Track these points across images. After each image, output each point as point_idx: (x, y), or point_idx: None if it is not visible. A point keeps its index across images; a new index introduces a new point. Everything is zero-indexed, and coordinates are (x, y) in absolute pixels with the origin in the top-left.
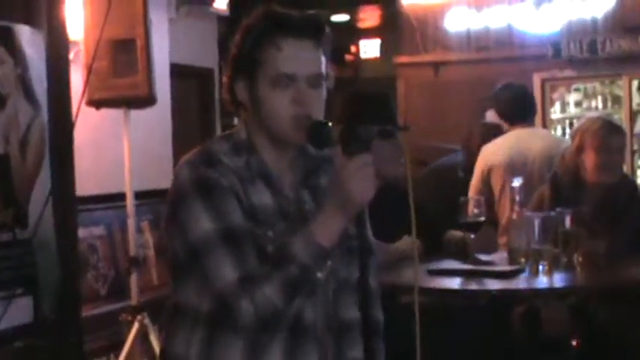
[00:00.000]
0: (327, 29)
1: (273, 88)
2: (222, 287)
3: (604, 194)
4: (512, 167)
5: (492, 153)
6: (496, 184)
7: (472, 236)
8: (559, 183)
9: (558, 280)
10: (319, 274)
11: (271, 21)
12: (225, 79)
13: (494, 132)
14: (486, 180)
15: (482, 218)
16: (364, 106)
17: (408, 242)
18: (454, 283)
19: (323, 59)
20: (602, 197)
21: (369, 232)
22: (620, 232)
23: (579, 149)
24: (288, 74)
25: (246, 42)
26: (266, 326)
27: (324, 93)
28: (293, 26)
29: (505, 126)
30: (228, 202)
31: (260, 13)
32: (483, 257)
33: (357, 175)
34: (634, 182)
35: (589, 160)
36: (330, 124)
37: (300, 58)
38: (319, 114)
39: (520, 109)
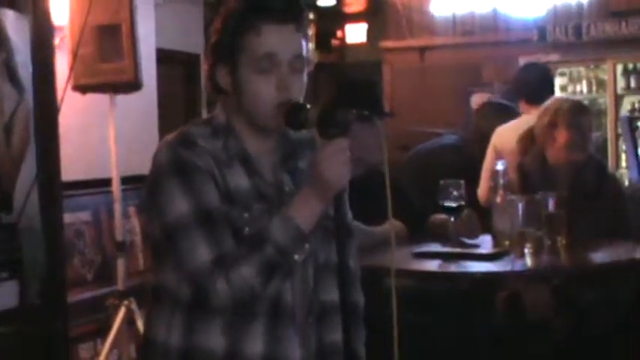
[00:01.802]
0: (308, 13)
1: (256, 73)
2: (197, 268)
3: (573, 175)
4: None
5: (506, 135)
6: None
7: (452, 219)
8: (526, 170)
9: (542, 262)
10: (296, 257)
11: (251, 6)
12: (206, 67)
13: (502, 112)
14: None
15: (462, 202)
16: (350, 92)
17: (393, 226)
18: (438, 265)
19: (304, 43)
20: (571, 178)
21: (349, 215)
22: (594, 211)
23: (551, 127)
24: (270, 56)
25: (226, 28)
26: (242, 307)
27: (305, 77)
28: (273, 10)
29: (521, 106)
30: (204, 184)
31: None
32: (467, 241)
33: (332, 159)
34: (600, 160)
35: (560, 138)
36: (308, 106)
37: (281, 41)
38: (300, 98)
39: (542, 89)
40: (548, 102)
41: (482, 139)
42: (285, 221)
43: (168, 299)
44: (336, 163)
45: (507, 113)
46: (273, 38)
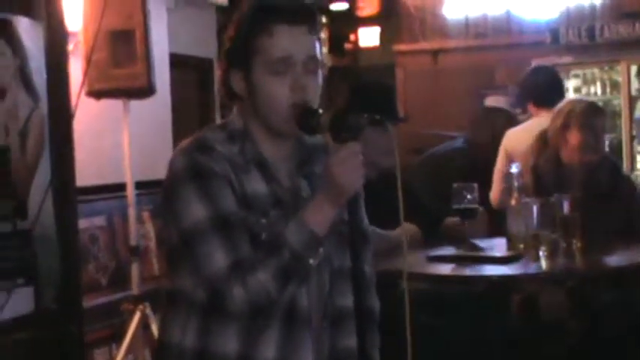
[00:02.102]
0: (319, 15)
1: (270, 75)
2: (214, 273)
3: (587, 175)
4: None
5: (517, 138)
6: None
7: (466, 223)
8: (540, 171)
9: (557, 265)
10: (311, 261)
11: (263, 9)
12: (220, 73)
13: (506, 118)
14: (510, 165)
15: (476, 205)
16: (364, 95)
17: (407, 229)
18: (452, 269)
19: (317, 45)
20: (585, 179)
21: (365, 220)
22: (608, 212)
23: (564, 128)
24: (284, 58)
25: (239, 32)
26: (258, 313)
27: (320, 79)
28: (285, 13)
29: (530, 109)
30: (221, 189)
31: (251, 3)
32: (481, 244)
33: (345, 163)
34: (614, 161)
35: (573, 139)
36: (320, 110)
37: (294, 42)
38: (316, 100)
39: (552, 92)
40: (561, 104)
41: (484, 143)
42: (299, 226)
43: (183, 303)
44: (349, 167)
45: (501, 117)
46: (286, 40)
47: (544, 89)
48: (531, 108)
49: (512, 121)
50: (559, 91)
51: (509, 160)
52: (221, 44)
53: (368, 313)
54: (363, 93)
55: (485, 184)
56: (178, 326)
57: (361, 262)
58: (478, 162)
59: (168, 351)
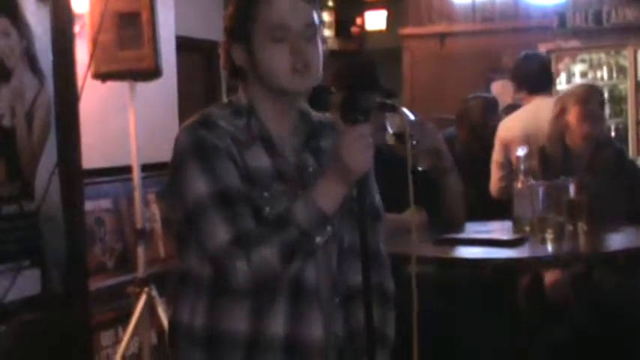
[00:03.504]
0: None
1: (270, 42)
2: (216, 248)
3: (592, 158)
4: (530, 140)
5: (511, 127)
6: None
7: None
8: (546, 155)
9: (564, 248)
10: (318, 239)
11: None
12: (221, 49)
13: (494, 104)
14: (506, 153)
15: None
16: (350, 73)
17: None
18: (459, 252)
19: (315, 14)
20: (591, 162)
21: (376, 196)
22: (614, 191)
23: (563, 110)
24: (282, 25)
25: (239, 5)
26: (262, 287)
27: (320, 47)
28: None
29: (523, 96)
30: (223, 165)
31: None
32: (487, 226)
33: (354, 145)
34: (620, 147)
35: (572, 117)
36: (332, 89)
37: (291, 9)
38: (317, 66)
39: (543, 78)
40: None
41: (465, 137)
42: (308, 204)
43: (192, 282)
44: (358, 148)
45: (477, 104)
46: (283, 6)
47: (535, 76)
48: (524, 96)
49: (490, 105)
50: (549, 78)
51: (506, 149)
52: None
53: (381, 291)
54: (344, 70)
55: (478, 175)
56: (188, 306)
57: (374, 238)
58: (466, 155)
59: (179, 330)
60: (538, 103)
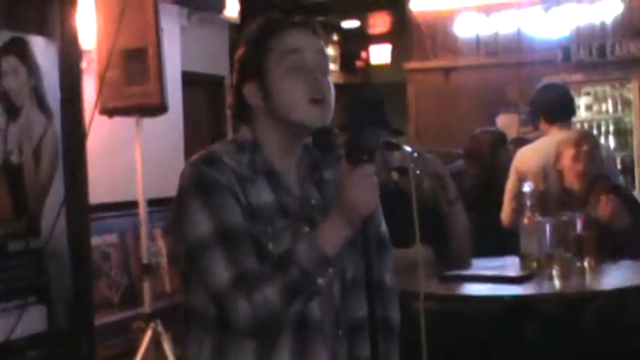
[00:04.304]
0: (321, 25)
1: (286, 71)
2: (217, 286)
3: (587, 193)
4: (547, 173)
5: (527, 157)
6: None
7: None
8: (545, 200)
9: (571, 284)
10: (320, 280)
11: (270, 21)
12: (231, 92)
13: (503, 139)
14: (521, 185)
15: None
16: (359, 111)
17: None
18: (466, 289)
19: (324, 46)
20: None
21: (382, 225)
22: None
23: (558, 159)
24: (295, 49)
25: (249, 45)
26: (263, 328)
27: (331, 80)
28: (289, 19)
29: (542, 126)
30: (225, 200)
31: (258, 21)
32: (495, 262)
33: (358, 185)
34: (614, 181)
35: (566, 159)
36: (335, 131)
37: (303, 39)
38: (332, 99)
39: (563, 108)
40: None
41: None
42: (310, 244)
43: (198, 319)
44: (363, 189)
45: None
46: (296, 37)
47: (555, 106)
48: (543, 125)
49: (499, 140)
50: (570, 107)
51: (521, 179)
52: (232, 63)
53: (386, 323)
54: (353, 109)
55: (491, 206)
56: (195, 343)
57: (378, 269)
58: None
59: None
60: (556, 134)
